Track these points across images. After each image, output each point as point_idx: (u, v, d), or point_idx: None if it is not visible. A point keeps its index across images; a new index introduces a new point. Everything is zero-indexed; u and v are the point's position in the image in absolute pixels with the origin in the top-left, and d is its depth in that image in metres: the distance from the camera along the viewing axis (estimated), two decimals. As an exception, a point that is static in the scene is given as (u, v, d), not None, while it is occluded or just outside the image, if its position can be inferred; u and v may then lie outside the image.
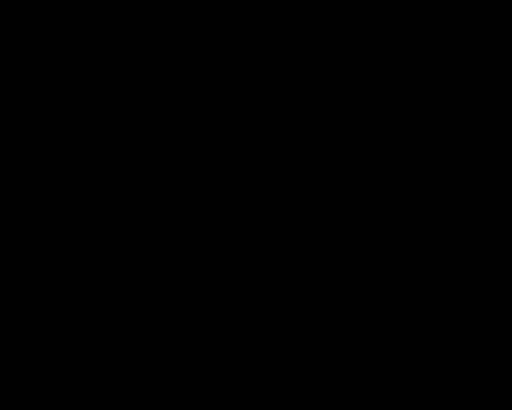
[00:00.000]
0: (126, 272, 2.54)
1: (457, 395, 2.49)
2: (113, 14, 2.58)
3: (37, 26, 2.58)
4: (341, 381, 2.50)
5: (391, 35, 2.57)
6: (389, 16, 2.58)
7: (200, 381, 2.52)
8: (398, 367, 2.51)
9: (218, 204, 2.56)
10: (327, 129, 2.57)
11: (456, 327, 2.51)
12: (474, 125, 2.56)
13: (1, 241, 2.55)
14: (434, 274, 2.53)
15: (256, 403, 2.51)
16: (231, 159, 2.57)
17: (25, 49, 2.58)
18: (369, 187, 2.55)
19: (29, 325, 2.52)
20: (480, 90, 2.56)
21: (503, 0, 2.55)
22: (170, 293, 2.54)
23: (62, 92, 2.58)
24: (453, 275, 2.52)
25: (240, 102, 2.58)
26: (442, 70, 2.57)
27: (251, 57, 2.58)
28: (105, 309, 2.53)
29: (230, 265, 2.54)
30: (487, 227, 2.53)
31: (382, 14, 2.58)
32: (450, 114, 2.56)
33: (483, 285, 2.52)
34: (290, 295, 2.54)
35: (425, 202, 2.55)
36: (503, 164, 2.54)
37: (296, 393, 2.51)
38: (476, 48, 2.56)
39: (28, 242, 2.55)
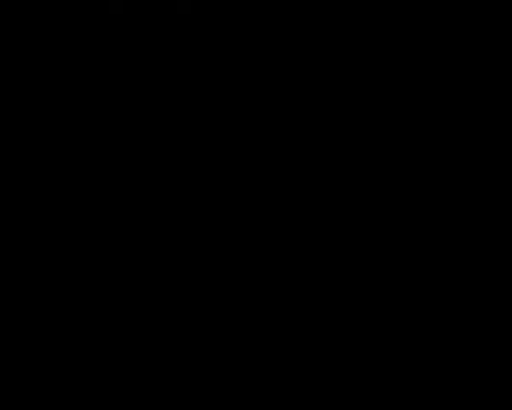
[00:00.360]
0: (126, 272, 2.54)
1: (457, 395, 2.49)
2: (113, 14, 2.58)
3: (37, 26, 2.58)
4: (341, 381, 2.51)
5: (391, 35, 2.57)
6: (389, 16, 2.58)
7: (200, 381, 2.52)
8: (398, 367, 2.51)
9: (218, 204, 2.56)
10: (327, 129, 2.57)
11: (456, 327, 2.51)
12: (474, 125, 2.56)
13: (1, 241, 2.55)
14: (434, 274, 2.53)
15: (256, 403, 2.51)
16: (231, 159, 2.57)
17: (25, 49, 2.58)
18: (369, 187, 2.55)
19: (29, 325, 2.52)
20: (480, 90, 2.56)
21: (504, 0, 2.56)
22: (170, 293, 2.54)
23: (63, 92, 2.58)
24: (453, 275, 2.53)
25: (240, 102, 2.58)
26: (442, 70, 2.57)
27: (251, 57, 2.58)
28: (105, 309, 2.53)
29: (230, 265, 2.54)
30: (487, 227, 2.53)
31: (382, 14, 2.58)
32: (451, 114, 2.56)
33: (483, 285, 2.52)
34: (290, 295, 2.54)
35: (425, 202, 2.55)
36: (503, 164, 2.54)
37: (296, 393, 2.51)
38: (476, 48, 2.56)
39: (28, 242, 2.55)
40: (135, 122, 2.58)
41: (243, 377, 2.52)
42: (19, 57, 2.58)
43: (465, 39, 2.57)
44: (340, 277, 2.53)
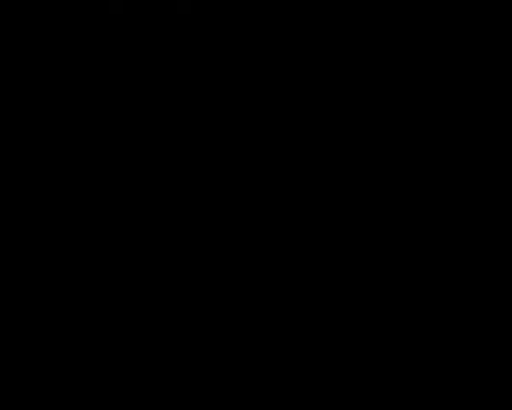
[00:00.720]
0: (126, 272, 2.54)
1: (457, 396, 2.50)
2: (113, 14, 2.58)
3: (37, 26, 2.58)
4: (341, 381, 2.51)
5: (391, 35, 2.57)
6: (389, 16, 2.58)
7: (200, 381, 2.52)
8: (398, 367, 2.51)
9: (218, 204, 2.56)
10: (327, 129, 2.57)
11: (457, 327, 2.51)
12: (474, 125, 2.56)
13: (1, 241, 2.55)
14: (434, 274, 2.53)
15: (256, 403, 2.51)
16: (231, 159, 2.57)
17: (25, 49, 2.58)
18: (369, 187, 2.55)
19: (29, 325, 2.52)
20: (479, 90, 2.56)
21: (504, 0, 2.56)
22: (170, 293, 2.54)
23: (63, 92, 2.58)
24: (453, 275, 2.53)
25: (240, 102, 2.58)
26: (442, 70, 2.57)
27: (251, 57, 2.58)
28: (105, 309, 2.53)
29: (230, 265, 2.54)
30: (487, 227, 2.53)
31: (382, 14, 2.58)
32: (450, 114, 2.56)
33: (483, 285, 2.52)
34: (290, 295, 2.54)
35: (425, 202, 2.55)
36: (503, 164, 2.54)
37: (296, 393, 2.51)
38: (476, 48, 2.56)
39: (28, 242, 2.55)
40: (135, 122, 2.58)
41: (243, 378, 2.52)
42: (19, 57, 2.58)
43: (465, 39, 2.57)
44: (340, 277, 2.53)
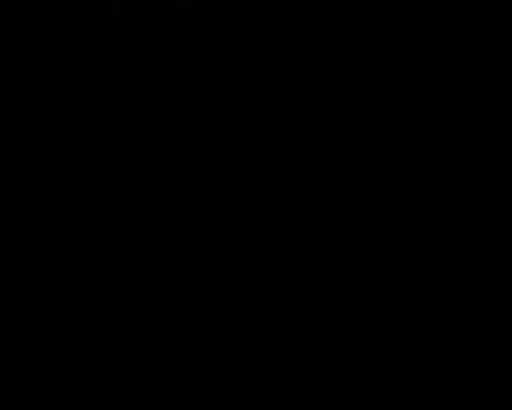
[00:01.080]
0: (126, 273, 2.54)
1: (457, 396, 2.49)
2: (113, 14, 2.58)
3: (37, 26, 2.58)
4: (341, 381, 2.51)
5: (391, 35, 2.57)
6: (389, 16, 2.58)
7: (200, 381, 2.52)
8: (398, 367, 2.51)
9: (218, 204, 2.56)
10: (327, 129, 2.57)
11: (456, 327, 2.51)
12: (473, 125, 2.56)
13: (1, 241, 2.55)
14: (434, 274, 2.53)
15: (256, 403, 2.51)
16: (231, 159, 2.57)
17: (25, 49, 2.58)
18: (369, 187, 2.55)
19: (29, 325, 2.52)
20: (479, 90, 2.56)
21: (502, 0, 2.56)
22: (170, 293, 2.54)
23: (62, 92, 2.58)
24: (453, 275, 2.53)
25: (240, 102, 2.58)
26: (442, 70, 2.57)
27: (251, 57, 2.58)
28: (105, 309, 2.53)
29: (230, 265, 2.54)
30: (487, 228, 2.53)
31: (382, 14, 2.58)
32: (450, 114, 2.56)
33: (482, 285, 2.52)
34: (290, 295, 2.54)
35: (425, 202, 2.55)
36: (503, 164, 2.54)
37: (296, 393, 2.51)
38: (475, 48, 2.56)
39: (28, 242, 2.55)
40: (135, 122, 2.58)
41: (243, 378, 2.52)
42: (19, 57, 2.58)
43: (464, 40, 2.57)
44: (340, 277, 2.53)
